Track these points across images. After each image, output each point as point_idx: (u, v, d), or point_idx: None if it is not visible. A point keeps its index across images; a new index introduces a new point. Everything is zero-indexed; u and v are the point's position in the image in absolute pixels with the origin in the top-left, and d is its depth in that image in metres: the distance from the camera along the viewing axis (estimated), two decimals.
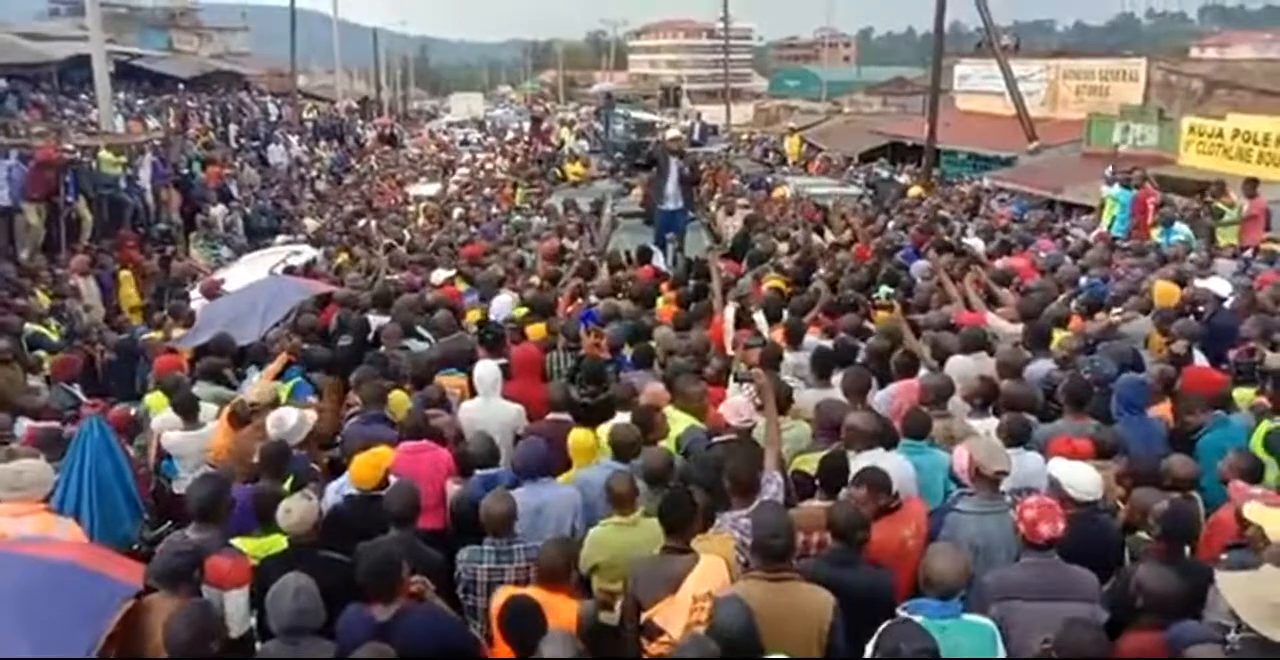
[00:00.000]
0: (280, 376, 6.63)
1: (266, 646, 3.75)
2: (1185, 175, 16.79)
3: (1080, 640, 3.33)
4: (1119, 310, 7.88)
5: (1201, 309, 7.39)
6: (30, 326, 9.42)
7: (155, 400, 6.49)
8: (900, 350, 6.48)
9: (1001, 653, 3.60)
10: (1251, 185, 12.17)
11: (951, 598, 3.61)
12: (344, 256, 13.23)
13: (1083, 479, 4.35)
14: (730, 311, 7.76)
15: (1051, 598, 3.84)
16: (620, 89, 42.13)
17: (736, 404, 5.19)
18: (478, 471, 5.14)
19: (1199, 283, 8.10)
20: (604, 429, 5.30)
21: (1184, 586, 3.70)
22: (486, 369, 6.18)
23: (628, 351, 7.07)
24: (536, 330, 7.48)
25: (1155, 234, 11.92)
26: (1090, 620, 3.48)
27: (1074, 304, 8.03)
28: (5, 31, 30.26)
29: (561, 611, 3.80)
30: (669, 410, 5.56)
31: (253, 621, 4.10)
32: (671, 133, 16.62)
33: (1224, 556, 4.10)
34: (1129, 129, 20.47)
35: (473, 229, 16.51)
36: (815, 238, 12.49)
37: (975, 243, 11.25)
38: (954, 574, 3.62)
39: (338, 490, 4.99)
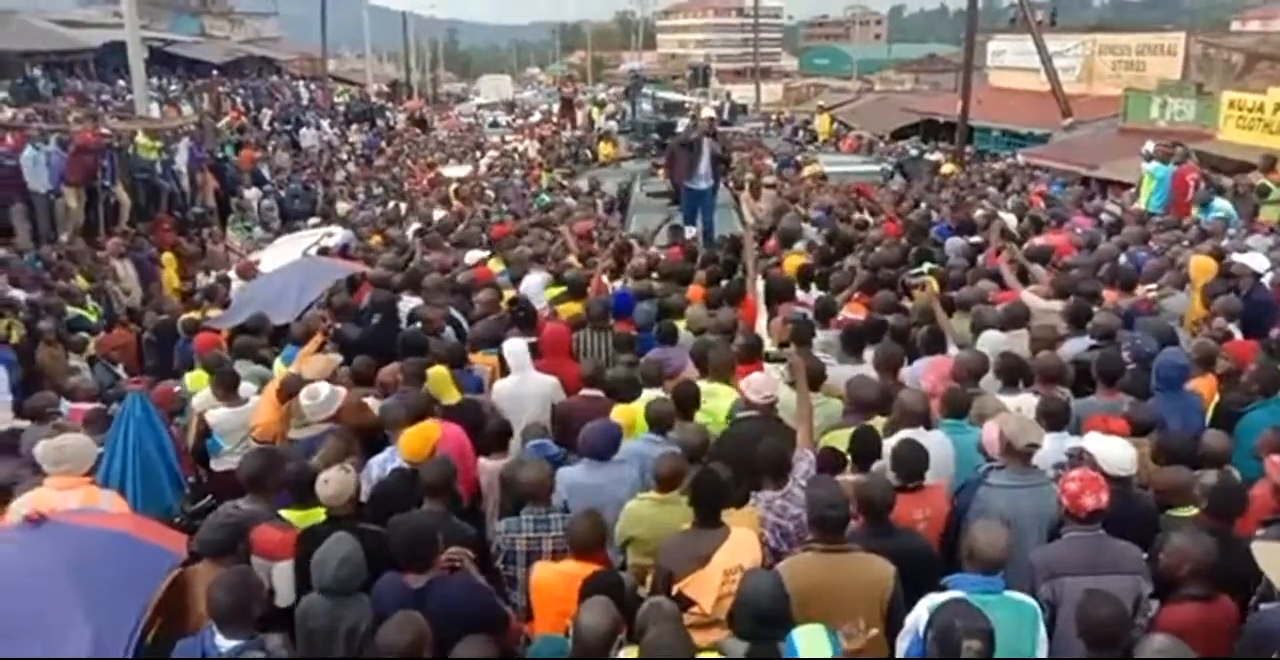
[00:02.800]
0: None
1: (308, 600, 3.85)
2: (1224, 151, 16.50)
3: (1099, 614, 3.33)
4: (1152, 285, 7.79)
5: (1239, 283, 7.28)
6: (72, 309, 9.59)
7: (195, 378, 6.60)
8: (925, 327, 6.47)
9: (1043, 632, 3.58)
10: None
11: (994, 573, 3.61)
12: (377, 238, 13.32)
13: (1117, 454, 4.31)
14: (761, 288, 7.76)
15: (1098, 572, 3.83)
16: (649, 69, 42.00)
17: (758, 380, 5.18)
18: (530, 442, 5.20)
19: (1237, 257, 7.98)
20: (638, 404, 5.34)
21: (1224, 557, 3.68)
22: (516, 345, 6.23)
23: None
24: (569, 309, 7.53)
25: (1195, 211, 11.73)
26: (1107, 593, 3.45)
27: (1101, 274, 7.92)
28: (41, 19, 30.64)
29: None
30: (705, 385, 5.58)
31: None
32: (706, 112, 16.54)
33: (1260, 531, 4.07)
34: (1166, 104, 20.13)
35: (503, 207, 16.58)
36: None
37: (1008, 219, 11.15)
38: (997, 549, 3.61)
39: (381, 464, 5.07)
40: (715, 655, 3.36)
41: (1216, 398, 5.63)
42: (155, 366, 8.38)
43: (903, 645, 3.56)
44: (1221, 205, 11.60)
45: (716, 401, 5.48)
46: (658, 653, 3.06)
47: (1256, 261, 7.79)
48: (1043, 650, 3.56)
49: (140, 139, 15.61)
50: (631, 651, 3.27)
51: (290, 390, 5.58)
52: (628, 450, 5.01)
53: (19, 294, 9.74)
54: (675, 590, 3.86)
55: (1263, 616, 3.56)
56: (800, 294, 7.84)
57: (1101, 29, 28.62)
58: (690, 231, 12.07)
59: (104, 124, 15.77)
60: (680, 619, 3.51)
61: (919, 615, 3.48)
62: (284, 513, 4.49)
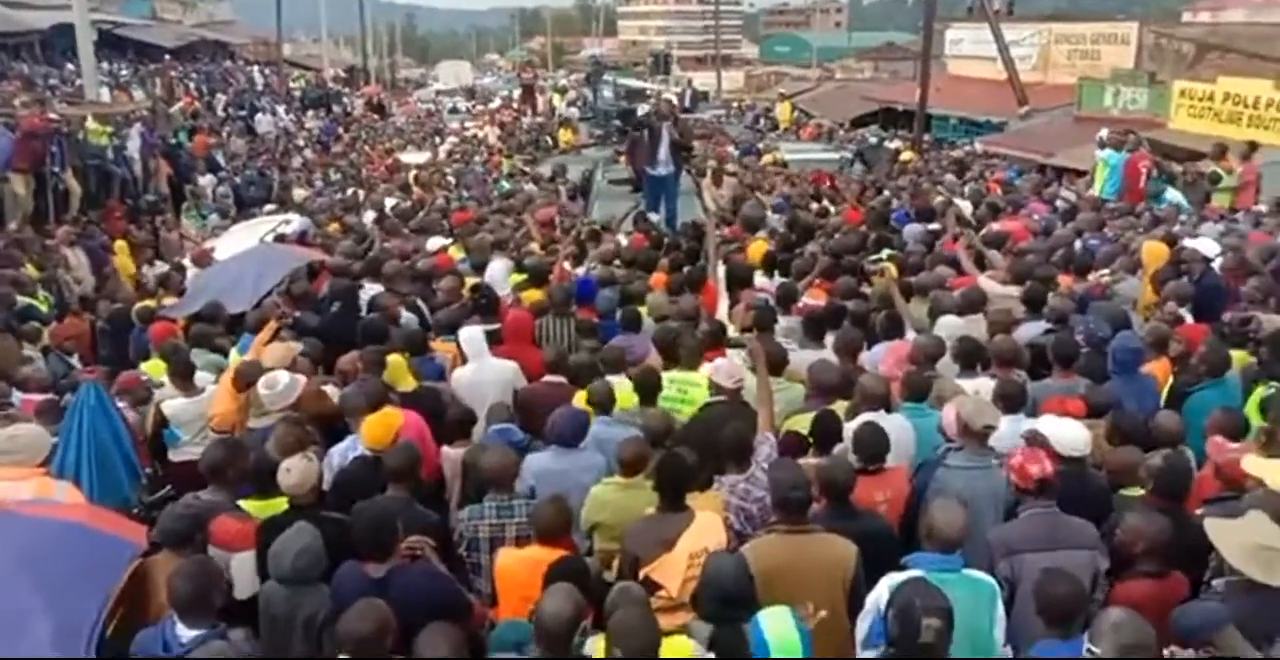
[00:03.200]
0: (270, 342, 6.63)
1: (267, 588, 3.84)
2: (1175, 140, 16.81)
3: (1057, 591, 3.39)
4: (1105, 271, 7.93)
5: (1189, 268, 7.43)
6: (22, 299, 9.38)
7: (152, 367, 6.50)
8: (884, 312, 6.54)
9: (1000, 610, 3.64)
10: (1250, 149, 12.19)
11: (952, 552, 3.66)
12: (335, 225, 13.16)
13: (1071, 435, 4.39)
14: (722, 274, 7.80)
15: (1055, 547, 3.92)
16: (610, 56, 41.84)
17: (726, 366, 5.23)
18: (492, 427, 5.17)
19: (1188, 242, 8.14)
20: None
21: (1179, 535, 3.77)
22: (471, 333, 6.22)
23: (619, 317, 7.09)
24: (531, 296, 7.51)
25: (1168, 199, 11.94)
26: (1065, 571, 3.52)
27: (1055, 259, 8.06)
28: None
29: None
30: (683, 374, 5.62)
31: (258, 582, 4.17)
32: (666, 95, 16.54)
33: (1200, 510, 4.18)
34: (1119, 93, 20.46)
35: (463, 194, 16.46)
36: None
37: (964, 205, 11.28)
38: (955, 528, 3.66)
39: (343, 453, 5.03)
40: (683, 637, 3.38)
41: (1170, 380, 5.75)
42: (110, 356, 8.22)
43: (863, 625, 3.61)
44: (1172, 195, 11.83)
45: (699, 391, 5.49)
46: (624, 637, 3.07)
47: (1207, 247, 7.96)
48: (1000, 628, 3.62)
49: (90, 124, 15.24)
50: (599, 640, 3.28)
51: (247, 378, 5.51)
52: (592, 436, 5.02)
53: None
54: (642, 574, 3.88)
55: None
56: (761, 280, 7.89)
57: (1057, 18, 29.00)
58: (654, 218, 12.08)
59: (52, 109, 15.38)
60: (648, 603, 3.53)
61: (879, 594, 3.53)
62: (246, 503, 4.44)
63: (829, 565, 3.78)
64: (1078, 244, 9.08)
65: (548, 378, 5.89)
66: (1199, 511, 4.18)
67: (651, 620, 3.19)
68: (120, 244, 12.77)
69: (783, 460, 4.30)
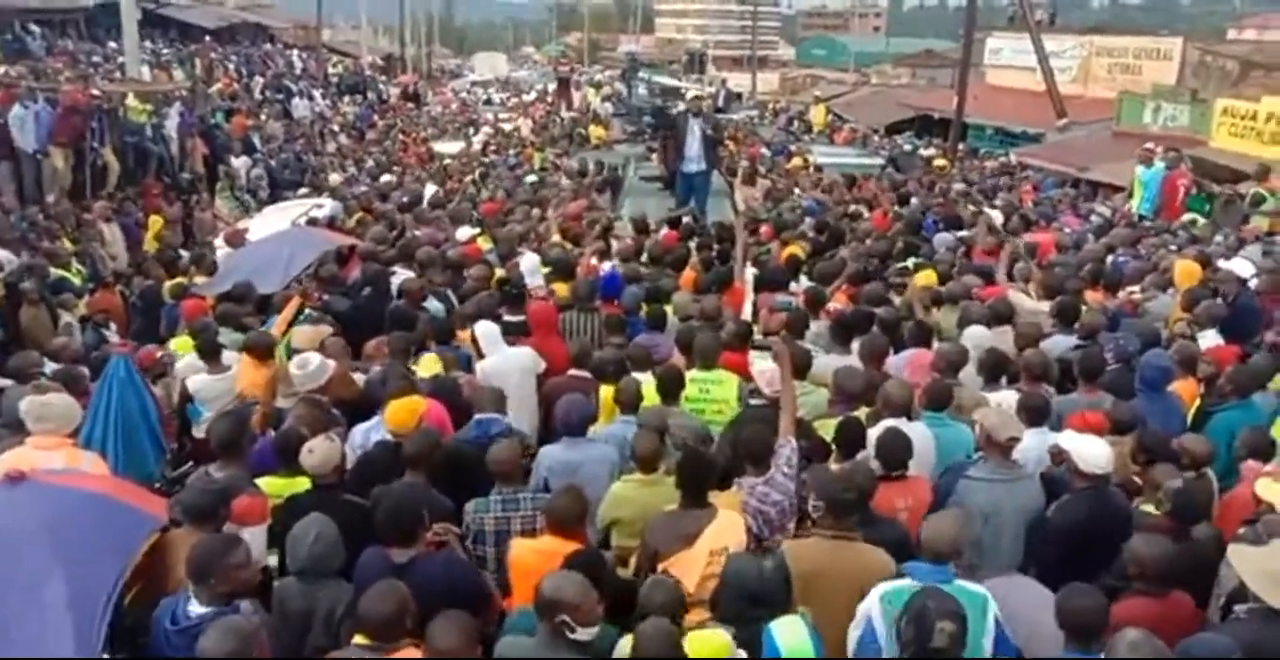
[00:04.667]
0: (294, 322, 6.69)
1: (283, 584, 3.84)
2: (1215, 158, 16.59)
3: (1078, 604, 3.36)
4: (1134, 288, 7.86)
5: (1224, 289, 7.34)
6: (55, 271, 9.51)
7: (181, 344, 6.57)
8: (914, 320, 6.51)
9: (991, 621, 3.54)
10: None
11: (944, 563, 3.61)
12: (362, 213, 13.23)
13: (1094, 453, 4.31)
14: (750, 276, 7.78)
15: None
16: (645, 53, 41.77)
17: (769, 373, 5.18)
18: (475, 416, 5.13)
19: (1223, 263, 8.05)
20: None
21: (1180, 558, 3.74)
22: (486, 327, 6.25)
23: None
24: (557, 289, 7.53)
25: (1185, 219, 11.78)
26: (1090, 588, 3.48)
27: (1083, 274, 7.99)
28: None
29: None
30: (706, 373, 5.61)
31: (272, 560, 4.21)
32: (693, 93, 16.49)
33: (1241, 531, 4.13)
34: (1160, 109, 20.22)
35: (492, 186, 16.49)
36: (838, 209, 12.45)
37: (995, 215, 11.21)
38: (946, 540, 3.62)
39: (365, 433, 5.07)
40: (718, 631, 3.34)
41: (1197, 402, 5.69)
42: (141, 331, 8.33)
43: (854, 634, 3.56)
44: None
45: (721, 389, 5.51)
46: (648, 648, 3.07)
47: (1242, 268, 7.87)
48: (989, 640, 3.52)
49: (130, 102, 15.43)
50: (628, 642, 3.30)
51: (255, 345, 5.55)
52: (606, 433, 5.05)
53: (3, 254, 9.65)
54: (660, 569, 3.87)
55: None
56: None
57: (1099, 31, 28.63)
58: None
59: (94, 85, 15.57)
60: (683, 597, 3.51)
61: (870, 603, 3.50)
62: (269, 480, 4.49)
63: (865, 574, 3.74)
64: (1109, 260, 9.00)
65: (572, 372, 5.90)
66: (1240, 531, 4.12)
67: (676, 635, 3.15)
68: (154, 219, 12.93)
69: (820, 466, 4.29)
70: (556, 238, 9.84)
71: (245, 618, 3.36)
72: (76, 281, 9.83)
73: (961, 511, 4.06)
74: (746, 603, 3.40)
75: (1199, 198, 12.25)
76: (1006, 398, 5.36)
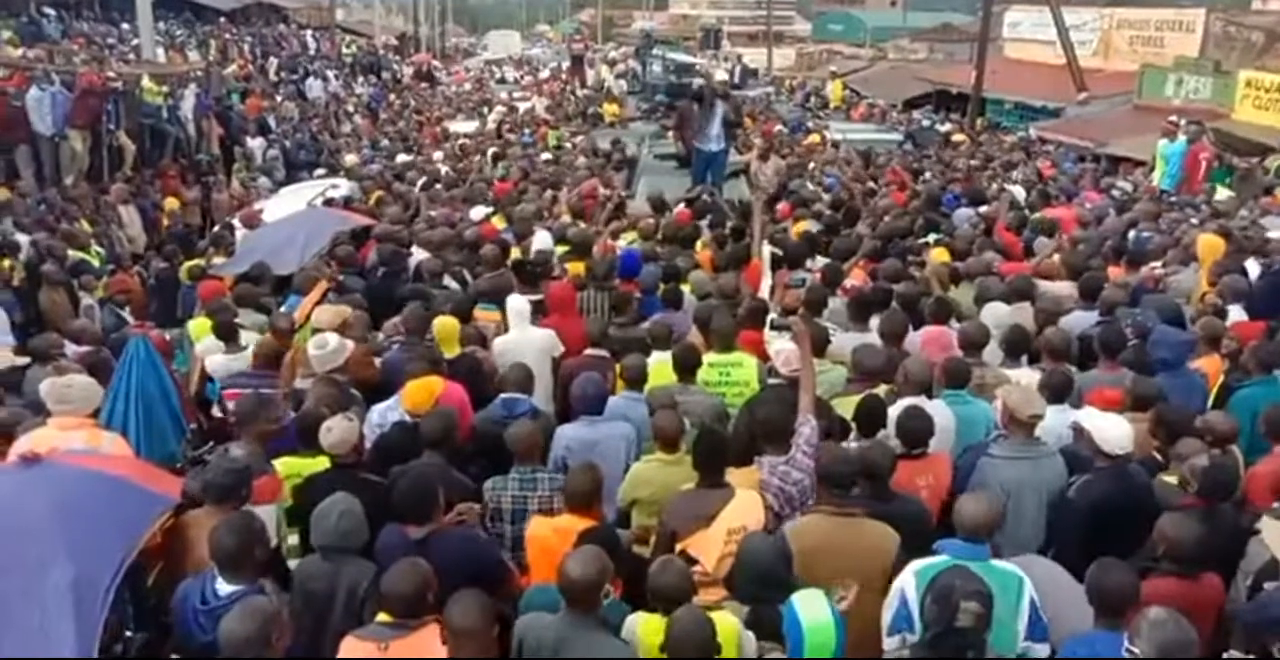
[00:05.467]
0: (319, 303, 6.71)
1: (306, 561, 3.85)
2: (1238, 131, 16.36)
3: (1110, 579, 3.35)
4: (1156, 263, 7.77)
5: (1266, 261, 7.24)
6: (74, 253, 9.57)
7: (199, 325, 6.60)
8: (935, 297, 6.45)
9: (1026, 602, 3.54)
10: None
11: (980, 542, 3.61)
12: (380, 193, 13.22)
13: (1115, 432, 4.27)
14: (767, 253, 7.73)
15: None
16: (660, 29, 41.40)
17: (785, 353, 5.15)
18: (501, 395, 5.15)
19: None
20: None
21: (1209, 537, 3.70)
22: (518, 301, 6.25)
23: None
24: (574, 268, 7.51)
25: (1208, 191, 11.65)
26: (1122, 563, 3.45)
27: (1104, 250, 7.91)
28: None
29: None
30: (724, 356, 5.59)
31: (294, 539, 4.23)
32: (720, 75, 16.33)
33: (1276, 504, 4.09)
34: (1182, 82, 19.92)
35: (508, 165, 16.40)
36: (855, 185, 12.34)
37: (1017, 191, 11.10)
38: (981, 517, 3.61)
39: (382, 412, 5.08)
40: (727, 615, 3.36)
41: (1221, 378, 5.63)
42: (159, 312, 8.38)
43: (888, 614, 3.56)
44: (1220, 192, 11.52)
45: (742, 371, 5.50)
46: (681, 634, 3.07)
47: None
48: (1023, 620, 3.51)
49: (146, 84, 15.46)
50: (641, 621, 3.32)
51: (280, 326, 5.62)
52: (614, 407, 5.06)
53: (22, 237, 9.71)
54: (678, 549, 3.88)
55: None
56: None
57: (1120, 3, 28.17)
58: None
59: (110, 68, 15.60)
60: (691, 577, 3.51)
61: (904, 580, 3.50)
62: (288, 459, 4.52)
63: (870, 551, 3.75)
64: (1131, 235, 8.91)
65: (589, 351, 5.90)
66: (1275, 505, 4.09)
67: (710, 628, 3.14)
68: (170, 201, 12.98)
69: (826, 443, 4.28)
70: (567, 217, 9.81)
71: (267, 598, 3.39)
72: (95, 263, 9.88)
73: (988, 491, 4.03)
74: (762, 582, 3.39)
75: (1221, 171, 12.10)
76: (1025, 375, 5.32)
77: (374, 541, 3.86)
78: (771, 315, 6.25)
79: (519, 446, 4.43)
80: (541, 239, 8.46)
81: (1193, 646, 3.01)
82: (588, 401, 4.92)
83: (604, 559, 3.33)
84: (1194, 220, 9.61)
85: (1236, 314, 6.46)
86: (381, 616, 3.32)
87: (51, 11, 24.75)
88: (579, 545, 3.58)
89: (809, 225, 9.06)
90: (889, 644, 3.54)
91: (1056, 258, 7.72)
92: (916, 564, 3.54)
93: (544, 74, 40.19)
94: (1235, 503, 4.22)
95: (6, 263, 8.76)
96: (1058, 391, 4.93)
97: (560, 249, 8.26)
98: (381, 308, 6.65)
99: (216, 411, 5.95)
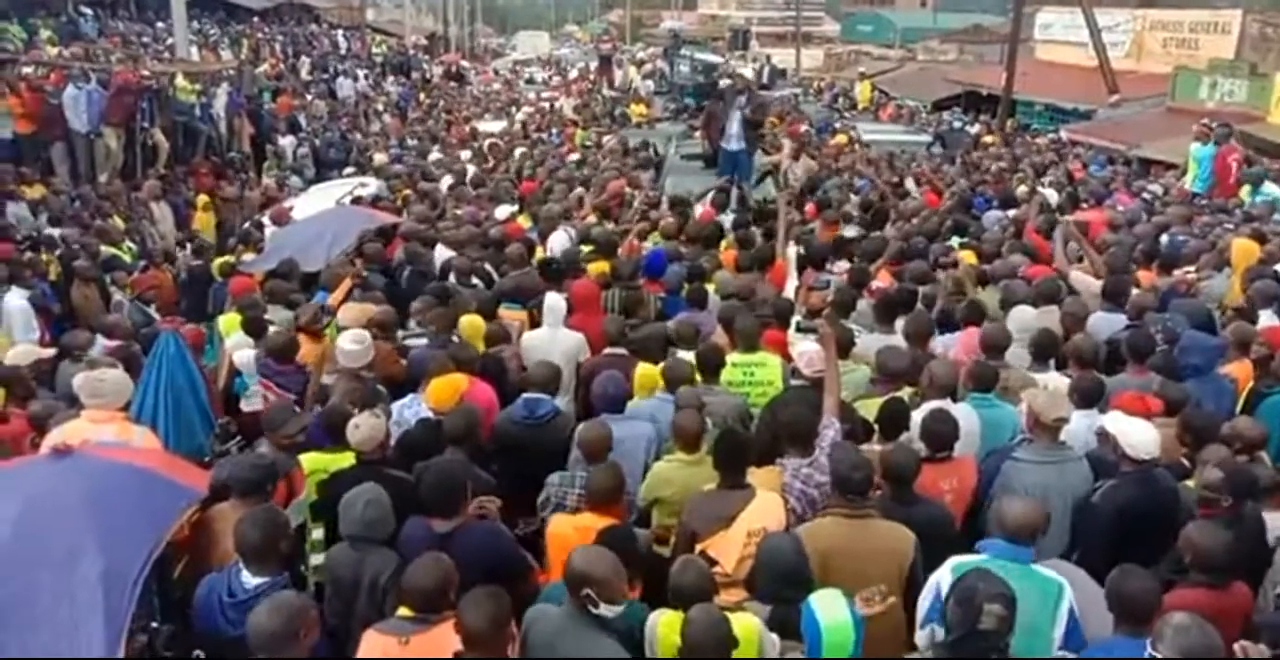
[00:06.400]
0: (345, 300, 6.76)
1: (334, 550, 3.90)
2: (1273, 135, 16.13)
3: (1130, 586, 3.31)
4: (1190, 268, 7.68)
5: None
6: (106, 249, 9.69)
7: (229, 321, 6.67)
8: (967, 299, 6.41)
9: (1064, 610, 3.48)
10: None
11: (1025, 545, 3.57)
12: (408, 192, 13.30)
13: (1141, 438, 4.22)
14: (793, 254, 7.71)
15: None
16: (688, 30, 41.33)
17: (809, 354, 5.13)
18: (523, 395, 5.16)
19: None
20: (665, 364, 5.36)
21: (1237, 545, 3.65)
22: (556, 300, 6.27)
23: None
24: (598, 267, 7.52)
25: (1243, 193, 11.49)
26: (1143, 570, 3.42)
27: (1135, 254, 7.81)
28: None
29: None
30: (748, 356, 5.59)
31: (318, 533, 4.28)
32: (746, 73, 16.27)
33: None
34: (1216, 84, 19.68)
35: (534, 165, 16.45)
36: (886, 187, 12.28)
37: (1049, 194, 11.00)
38: (1024, 519, 3.58)
39: (407, 407, 5.13)
40: (748, 615, 3.35)
41: (1251, 384, 5.56)
42: (190, 308, 8.47)
43: (923, 605, 3.57)
44: (1270, 189, 11.36)
45: (765, 371, 5.50)
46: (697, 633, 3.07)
47: None
48: (1060, 628, 3.46)
49: (179, 82, 15.65)
50: (662, 619, 3.30)
51: (306, 316, 5.67)
52: (643, 408, 5.06)
53: (56, 232, 9.85)
54: (698, 549, 3.88)
55: None
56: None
57: (1153, 4, 27.86)
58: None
59: (144, 66, 15.80)
60: (712, 578, 3.51)
61: (941, 577, 3.49)
62: (314, 455, 4.56)
63: (887, 552, 3.74)
64: (1163, 238, 8.80)
65: (609, 350, 5.92)
66: None
67: (726, 626, 3.13)
68: (202, 199, 13.11)
69: (842, 443, 4.27)
70: (592, 218, 9.82)
71: (296, 592, 3.42)
72: (128, 259, 10.01)
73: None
74: (785, 581, 3.38)
75: (1262, 170, 11.93)
76: (1052, 379, 5.27)
77: (397, 534, 3.90)
78: (796, 317, 6.26)
79: (588, 448, 4.47)
80: (558, 239, 8.49)
81: (1218, 652, 2.98)
82: (609, 400, 4.95)
83: (609, 557, 3.31)
84: (1229, 225, 9.48)
85: (1267, 319, 6.38)
86: (402, 610, 3.34)
87: (89, 11, 25.12)
88: (598, 543, 3.59)
89: (844, 230, 9.01)
90: (919, 636, 3.54)
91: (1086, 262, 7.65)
92: (955, 560, 3.53)
93: (572, 74, 40.27)
94: (1254, 512, 4.15)
95: (44, 257, 8.90)
96: (1088, 396, 4.89)
97: (585, 248, 8.28)
98: (407, 306, 6.69)
99: (244, 406, 6.02)
